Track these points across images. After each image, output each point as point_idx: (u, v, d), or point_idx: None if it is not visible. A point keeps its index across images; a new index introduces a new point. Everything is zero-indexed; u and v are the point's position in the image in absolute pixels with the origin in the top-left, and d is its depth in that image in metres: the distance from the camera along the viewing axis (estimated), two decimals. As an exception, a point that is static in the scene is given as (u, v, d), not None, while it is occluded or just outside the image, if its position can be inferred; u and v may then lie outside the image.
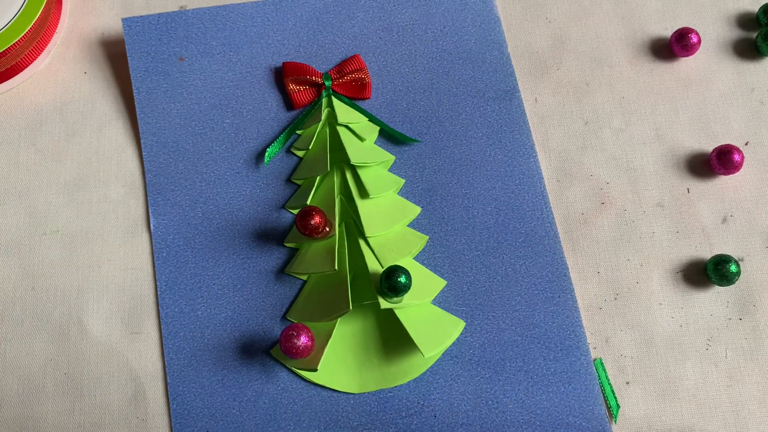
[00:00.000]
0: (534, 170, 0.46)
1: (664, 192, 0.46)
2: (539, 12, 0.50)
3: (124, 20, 0.48)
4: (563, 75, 0.49)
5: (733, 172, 0.46)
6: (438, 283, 0.43)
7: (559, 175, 0.47)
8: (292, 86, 0.47)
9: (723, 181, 0.46)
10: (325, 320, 0.41)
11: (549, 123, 0.48)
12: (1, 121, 0.47)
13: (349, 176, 0.44)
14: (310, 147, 0.46)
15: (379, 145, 0.46)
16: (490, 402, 0.42)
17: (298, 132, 0.47)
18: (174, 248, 0.44)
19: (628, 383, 0.42)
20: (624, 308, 0.44)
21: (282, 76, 0.47)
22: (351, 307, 0.40)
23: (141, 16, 0.48)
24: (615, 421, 0.42)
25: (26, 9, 0.46)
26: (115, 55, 0.49)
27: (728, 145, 0.45)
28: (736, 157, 0.45)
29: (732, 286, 0.44)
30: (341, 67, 0.47)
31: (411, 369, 0.42)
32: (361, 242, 0.43)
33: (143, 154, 0.46)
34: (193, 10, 0.48)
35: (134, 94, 0.47)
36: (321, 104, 0.47)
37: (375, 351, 0.43)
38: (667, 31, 0.50)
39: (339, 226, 0.43)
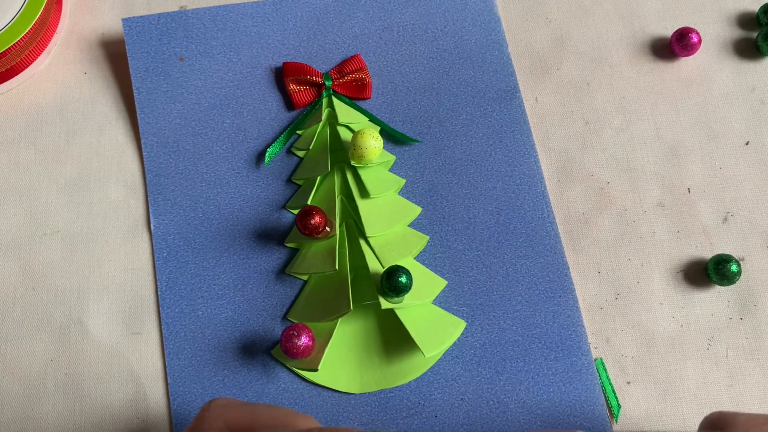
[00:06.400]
0: (534, 170, 0.46)
1: (664, 192, 0.46)
2: (539, 12, 0.50)
3: (125, 20, 0.48)
4: (564, 75, 0.49)
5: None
6: (439, 283, 0.43)
7: (560, 174, 0.47)
8: (292, 86, 0.47)
9: (724, 181, 0.46)
10: (326, 320, 0.41)
11: (549, 123, 0.48)
12: (1, 122, 0.47)
13: (349, 176, 0.44)
14: (310, 147, 0.46)
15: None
16: (491, 402, 0.42)
17: (299, 132, 0.47)
18: (174, 248, 0.44)
19: (629, 383, 0.42)
20: (625, 308, 0.44)
21: (282, 76, 0.47)
22: (352, 308, 0.40)
23: (141, 17, 0.48)
24: (616, 421, 0.42)
25: (26, 9, 0.46)
26: (115, 56, 0.49)
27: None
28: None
29: (733, 286, 0.44)
30: (341, 67, 0.47)
31: (412, 369, 0.42)
32: (362, 242, 0.43)
33: (143, 154, 0.46)
34: (193, 10, 0.48)
35: (134, 95, 0.47)
36: (321, 104, 0.47)
37: (376, 351, 0.42)
38: (668, 30, 0.50)
39: (339, 226, 0.43)
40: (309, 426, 0.30)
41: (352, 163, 0.44)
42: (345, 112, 0.46)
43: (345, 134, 0.45)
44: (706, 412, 0.42)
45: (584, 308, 0.44)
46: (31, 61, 0.48)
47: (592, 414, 0.41)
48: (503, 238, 0.45)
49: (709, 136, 0.47)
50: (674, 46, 0.48)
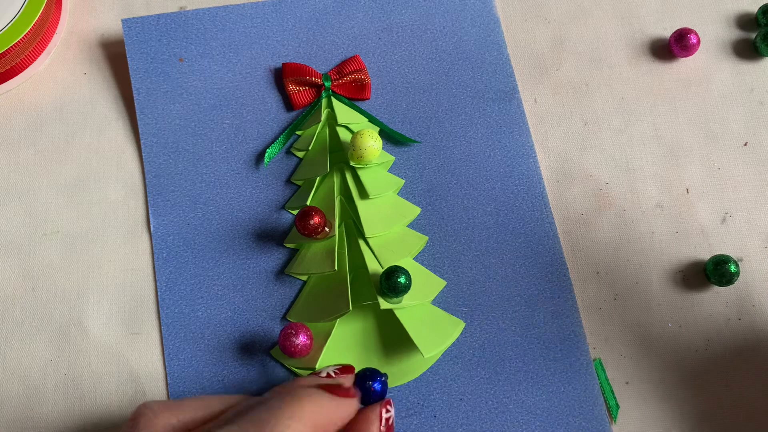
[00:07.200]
0: (533, 170, 0.46)
1: (663, 192, 0.46)
2: (539, 12, 0.50)
3: (124, 21, 0.48)
4: (563, 75, 0.49)
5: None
6: (438, 284, 0.43)
7: (559, 175, 0.47)
8: (291, 87, 0.47)
9: (723, 181, 0.46)
10: (325, 321, 0.41)
11: (548, 123, 0.48)
12: (1, 122, 0.47)
13: (348, 177, 0.44)
14: (309, 148, 0.46)
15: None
16: (490, 402, 0.42)
17: (298, 133, 0.47)
18: (174, 249, 0.44)
19: (627, 383, 0.43)
20: (623, 308, 0.44)
21: (282, 76, 0.47)
22: (351, 308, 0.40)
23: (141, 17, 0.48)
24: (615, 421, 0.42)
25: (26, 10, 0.46)
26: (114, 56, 0.49)
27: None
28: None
29: (731, 287, 0.44)
30: (341, 68, 0.47)
31: (411, 369, 0.42)
32: (361, 243, 0.43)
33: (143, 154, 0.46)
34: (192, 10, 0.49)
35: (134, 95, 0.47)
36: (321, 105, 0.47)
37: (375, 351, 0.43)
38: (667, 31, 0.50)
39: (339, 226, 0.44)
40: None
41: (352, 163, 0.44)
42: (344, 113, 0.46)
43: (344, 135, 0.45)
44: (705, 412, 0.42)
45: (583, 308, 0.44)
46: (31, 62, 0.48)
47: (590, 414, 0.41)
48: (502, 239, 0.45)
49: (708, 137, 0.48)
50: (673, 46, 0.49)
